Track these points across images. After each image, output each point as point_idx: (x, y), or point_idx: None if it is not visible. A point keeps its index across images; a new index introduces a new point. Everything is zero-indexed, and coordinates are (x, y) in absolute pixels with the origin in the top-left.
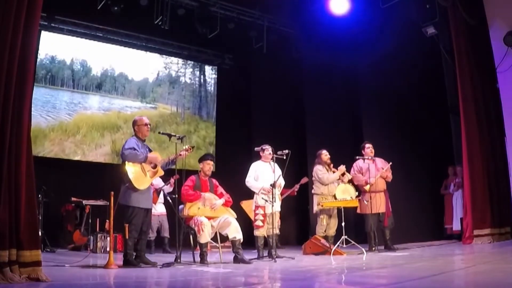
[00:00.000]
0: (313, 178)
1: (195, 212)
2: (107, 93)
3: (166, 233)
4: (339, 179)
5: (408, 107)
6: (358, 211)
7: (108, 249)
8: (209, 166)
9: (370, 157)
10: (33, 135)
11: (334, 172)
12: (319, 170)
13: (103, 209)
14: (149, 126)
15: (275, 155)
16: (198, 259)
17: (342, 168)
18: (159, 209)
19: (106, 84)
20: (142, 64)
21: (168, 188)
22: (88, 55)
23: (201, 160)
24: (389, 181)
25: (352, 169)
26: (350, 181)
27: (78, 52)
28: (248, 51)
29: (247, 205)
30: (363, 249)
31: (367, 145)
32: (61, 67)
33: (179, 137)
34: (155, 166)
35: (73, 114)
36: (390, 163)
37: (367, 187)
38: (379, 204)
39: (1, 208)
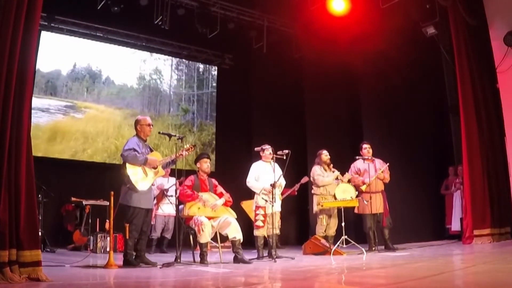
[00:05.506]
0: (311, 179)
1: (195, 212)
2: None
3: (167, 234)
4: (337, 179)
5: (408, 107)
6: (356, 211)
7: (108, 249)
8: (206, 164)
9: (369, 158)
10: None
11: (333, 172)
12: (315, 172)
13: (103, 209)
14: (151, 126)
15: (275, 155)
16: (198, 259)
17: (336, 173)
18: (166, 209)
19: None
20: (138, 64)
21: (169, 191)
22: (87, 55)
23: (198, 159)
24: (386, 182)
25: (349, 170)
26: (350, 181)
27: (79, 53)
28: (248, 51)
29: (247, 205)
30: (363, 249)
31: (364, 146)
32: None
33: (179, 137)
34: (155, 167)
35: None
36: (387, 164)
37: (363, 187)
38: (378, 204)
39: (1, 208)
